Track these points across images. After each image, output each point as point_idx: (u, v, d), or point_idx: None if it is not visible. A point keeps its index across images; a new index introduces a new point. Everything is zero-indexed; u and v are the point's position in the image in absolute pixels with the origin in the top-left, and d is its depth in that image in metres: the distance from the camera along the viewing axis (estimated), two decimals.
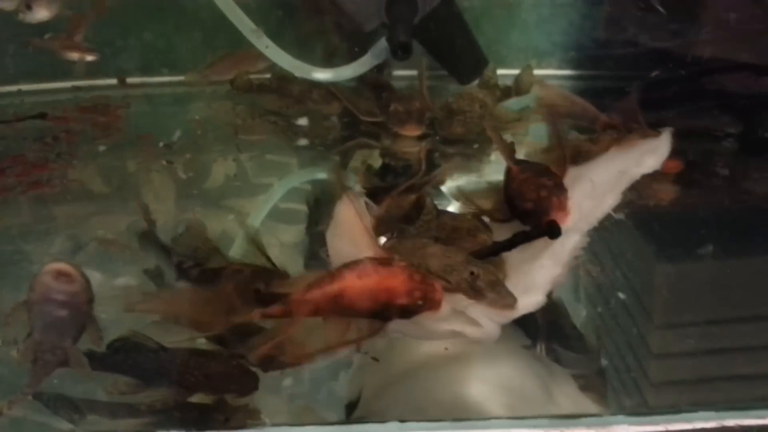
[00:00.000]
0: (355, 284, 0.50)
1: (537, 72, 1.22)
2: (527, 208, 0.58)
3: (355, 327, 0.51)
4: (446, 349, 0.58)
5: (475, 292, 0.51)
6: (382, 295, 0.50)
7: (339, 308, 0.51)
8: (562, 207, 0.57)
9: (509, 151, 0.65)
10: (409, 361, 0.59)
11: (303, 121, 1.02)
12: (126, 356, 0.53)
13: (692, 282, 0.78)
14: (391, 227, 0.64)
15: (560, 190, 0.58)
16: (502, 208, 0.63)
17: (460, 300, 0.52)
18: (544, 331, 0.63)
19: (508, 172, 0.63)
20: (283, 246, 0.83)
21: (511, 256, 0.58)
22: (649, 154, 0.60)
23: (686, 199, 0.87)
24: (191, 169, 0.97)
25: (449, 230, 0.64)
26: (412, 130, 0.96)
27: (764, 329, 0.70)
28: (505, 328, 0.55)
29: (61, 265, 0.47)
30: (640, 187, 0.66)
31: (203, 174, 0.97)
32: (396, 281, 0.50)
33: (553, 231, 0.55)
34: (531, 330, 0.63)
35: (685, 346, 0.68)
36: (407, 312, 0.51)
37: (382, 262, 0.51)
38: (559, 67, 1.24)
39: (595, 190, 0.57)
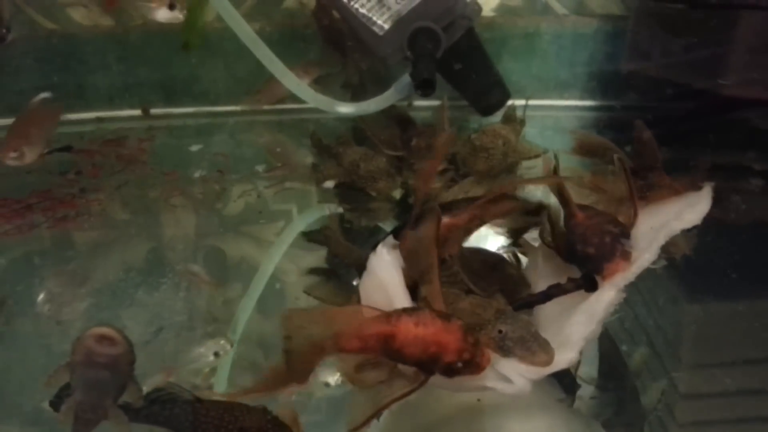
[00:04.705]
0: (410, 330, 0.50)
1: (559, 103, 1.24)
2: (589, 253, 0.57)
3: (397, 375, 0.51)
4: (479, 400, 0.58)
5: (503, 350, 0.51)
6: (433, 347, 0.50)
7: (387, 350, 0.51)
8: (626, 256, 0.56)
9: (572, 200, 0.64)
10: (440, 411, 0.59)
11: (329, 184, 0.98)
12: (162, 407, 0.53)
13: (720, 322, 0.77)
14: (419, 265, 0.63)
15: (625, 238, 0.57)
16: (564, 249, 0.61)
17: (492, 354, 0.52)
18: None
19: (571, 218, 0.61)
20: (302, 272, 0.84)
21: (546, 310, 0.57)
22: (690, 209, 0.59)
23: (712, 238, 0.86)
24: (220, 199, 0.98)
25: (478, 265, 0.64)
26: None
27: None
28: (541, 380, 0.54)
29: (104, 329, 0.48)
30: None
31: (225, 203, 0.98)
32: (450, 338, 0.50)
33: (590, 284, 0.55)
34: (567, 383, 0.62)
35: (712, 386, 0.68)
36: (450, 370, 0.51)
37: (441, 315, 0.51)
38: (581, 98, 1.24)
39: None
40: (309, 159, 1.07)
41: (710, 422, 0.66)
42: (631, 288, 0.76)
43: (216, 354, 0.66)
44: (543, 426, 0.58)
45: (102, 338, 0.48)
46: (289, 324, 0.51)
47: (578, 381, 0.64)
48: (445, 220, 0.61)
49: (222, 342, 0.67)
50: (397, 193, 0.97)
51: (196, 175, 1.03)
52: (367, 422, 0.50)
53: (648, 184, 0.72)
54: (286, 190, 1.01)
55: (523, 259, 0.71)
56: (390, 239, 0.54)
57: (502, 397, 0.55)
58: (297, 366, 0.50)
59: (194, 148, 1.12)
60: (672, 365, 0.70)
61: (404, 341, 0.50)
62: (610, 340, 0.70)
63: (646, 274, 0.78)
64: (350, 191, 0.96)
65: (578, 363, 0.64)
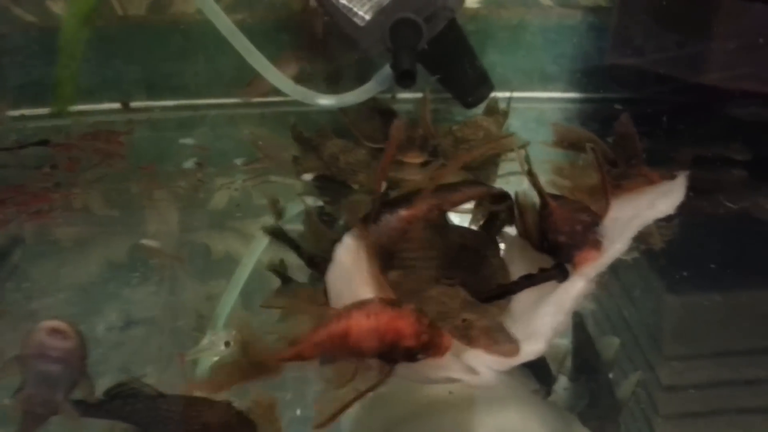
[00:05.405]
0: (362, 324, 0.49)
1: (544, 95, 1.23)
2: (560, 242, 0.56)
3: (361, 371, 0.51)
4: (450, 393, 0.57)
5: (467, 339, 0.50)
6: (389, 335, 0.49)
7: (345, 348, 0.50)
8: (596, 245, 0.55)
9: (544, 190, 0.63)
10: (411, 405, 0.58)
11: (307, 177, 0.97)
12: (123, 402, 0.52)
13: (701, 314, 0.76)
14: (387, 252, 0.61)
15: (597, 227, 0.57)
16: (537, 237, 0.61)
17: (457, 344, 0.51)
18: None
19: (545, 208, 0.61)
20: (289, 266, 0.83)
21: (520, 300, 0.56)
22: (663, 198, 0.58)
23: (694, 229, 0.85)
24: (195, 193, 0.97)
25: (457, 249, 0.63)
26: (414, 158, 0.94)
27: None
28: (513, 371, 0.54)
29: (56, 323, 0.48)
30: None
31: (207, 197, 0.96)
32: (404, 323, 0.49)
33: (561, 274, 0.54)
34: (541, 374, 0.62)
35: (694, 378, 0.67)
36: (413, 355, 0.50)
37: (391, 302, 0.51)
38: (565, 90, 1.23)
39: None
40: (295, 152, 1.06)
41: (693, 414, 0.65)
42: (612, 279, 0.77)
43: (227, 344, 0.65)
44: (515, 418, 0.57)
45: (53, 331, 0.47)
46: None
47: (555, 373, 0.63)
48: (403, 212, 0.60)
49: (234, 332, 0.66)
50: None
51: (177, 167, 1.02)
52: (333, 418, 0.49)
53: (623, 173, 0.71)
54: (269, 183, 1.00)
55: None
56: (356, 229, 0.53)
57: (474, 389, 0.55)
58: (251, 373, 0.50)
59: (184, 140, 1.11)
60: (653, 357, 0.70)
61: (359, 336, 0.49)
62: (584, 330, 0.70)
63: (627, 266, 0.79)
64: (330, 184, 0.95)
65: (565, 355, 0.65)
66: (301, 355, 0.51)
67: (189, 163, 1.03)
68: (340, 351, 0.50)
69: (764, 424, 0.63)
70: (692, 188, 0.83)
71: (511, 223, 0.66)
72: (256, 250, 0.88)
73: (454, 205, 0.63)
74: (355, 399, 0.50)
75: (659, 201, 0.58)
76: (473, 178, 0.65)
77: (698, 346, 0.72)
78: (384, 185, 0.74)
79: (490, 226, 0.68)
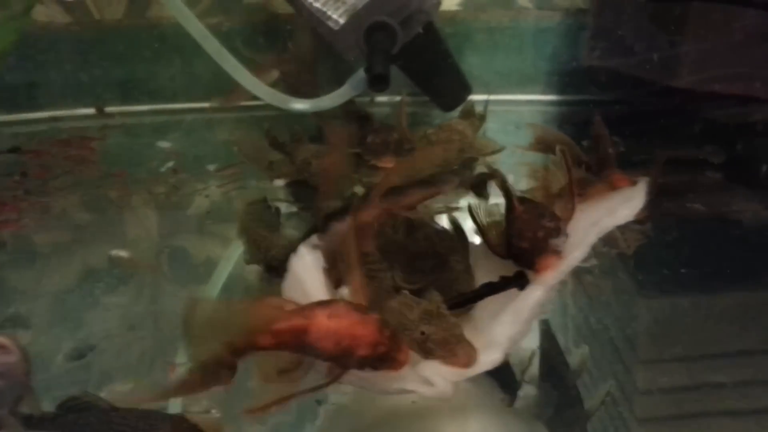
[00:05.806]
0: (323, 324, 0.49)
1: (522, 97, 1.23)
2: (523, 248, 0.56)
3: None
4: (414, 402, 0.56)
5: (424, 351, 0.50)
6: (346, 340, 0.48)
7: (301, 345, 0.49)
8: (556, 252, 0.55)
9: (512, 191, 0.62)
10: (375, 414, 0.58)
11: (279, 183, 0.96)
12: (77, 416, 0.51)
13: (677, 317, 0.76)
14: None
15: (558, 233, 0.56)
16: (503, 244, 0.60)
17: (414, 355, 0.51)
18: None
19: (511, 211, 0.60)
20: None
21: (486, 308, 0.56)
22: (624, 205, 0.58)
23: (668, 231, 0.85)
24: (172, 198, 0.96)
25: (422, 253, 0.63)
26: (389, 162, 0.94)
27: (748, 364, 0.69)
28: (479, 380, 0.53)
29: None
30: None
31: (183, 201, 0.96)
32: (364, 331, 0.48)
33: (521, 281, 0.54)
34: (508, 383, 0.61)
35: (670, 381, 0.67)
36: (366, 364, 0.49)
37: (357, 307, 0.50)
38: (543, 93, 1.23)
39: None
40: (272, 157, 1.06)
41: (669, 417, 0.65)
42: (587, 283, 0.77)
43: None
44: (480, 427, 0.57)
45: None
46: (194, 319, 0.49)
47: (519, 380, 0.63)
48: (352, 219, 0.59)
49: None
50: (359, 190, 0.95)
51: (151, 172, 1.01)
52: (266, 409, 0.48)
53: (591, 178, 0.71)
54: (244, 189, 0.99)
55: None
56: (313, 238, 0.53)
57: (439, 398, 0.54)
58: (211, 367, 0.48)
59: (161, 144, 1.10)
60: (630, 361, 0.69)
61: (317, 335, 0.48)
62: (552, 337, 0.69)
63: (603, 270, 0.78)
64: (303, 189, 0.94)
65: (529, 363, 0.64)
66: (258, 343, 0.49)
67: (164, 168, 1.02)
68: (297, 347, 0.49)
69: (739, 426, 0.63)
70: (667, 190, 0.84)
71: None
72: (233, 254, 0.87)
73: (406, 209, 0.62)
74: (293, 396, 0.49)
75: (619, 208, 0.57)
76: (425, 179, 0.64)
77: (674, 349, 0.71)
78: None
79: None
